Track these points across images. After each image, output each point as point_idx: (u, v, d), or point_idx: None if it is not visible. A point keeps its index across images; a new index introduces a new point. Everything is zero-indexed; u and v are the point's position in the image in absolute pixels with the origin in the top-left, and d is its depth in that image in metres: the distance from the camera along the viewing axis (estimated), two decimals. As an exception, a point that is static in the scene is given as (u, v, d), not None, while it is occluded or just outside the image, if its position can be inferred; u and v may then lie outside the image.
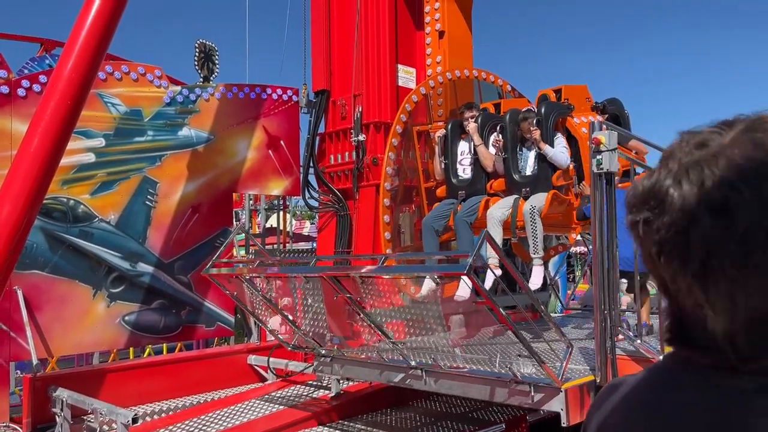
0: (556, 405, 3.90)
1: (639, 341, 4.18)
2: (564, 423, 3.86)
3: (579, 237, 6.79)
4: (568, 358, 4.00)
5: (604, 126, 4.16)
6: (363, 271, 5.10)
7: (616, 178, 4.21)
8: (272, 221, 15.72)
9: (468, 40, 7.45)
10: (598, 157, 4.04)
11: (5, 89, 5.89)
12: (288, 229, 12.76)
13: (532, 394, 3.97)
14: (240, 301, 5.85)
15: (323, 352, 5.30)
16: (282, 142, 7.62)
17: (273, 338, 8.02)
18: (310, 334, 5.33)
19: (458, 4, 7.31)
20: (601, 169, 4.02)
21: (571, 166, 6.06)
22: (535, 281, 5.38)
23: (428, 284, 5.77)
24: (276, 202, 13.06)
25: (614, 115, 6.56)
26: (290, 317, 5.44)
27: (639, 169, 4.57)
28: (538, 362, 3.78)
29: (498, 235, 5.52)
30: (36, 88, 6.00)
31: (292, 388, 6.12)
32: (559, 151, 5.76)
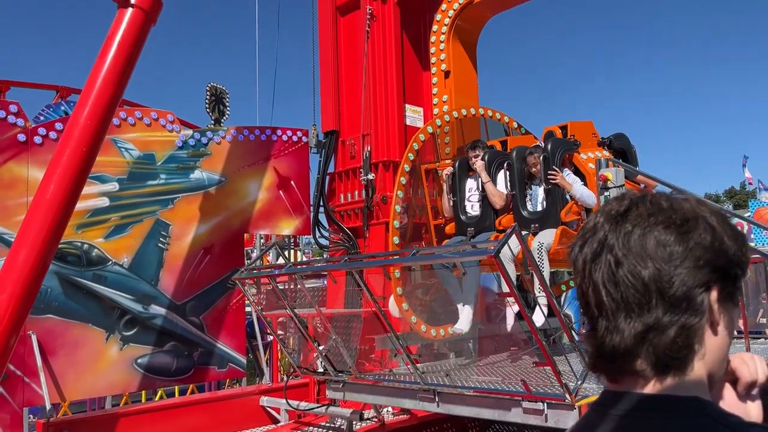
0: (570, 422, 3.87)
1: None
2: None
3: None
4: (584, 375, 4.00)
5: (611, 163, 4.20)
6: (397, 259, 5.23)
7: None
8: (282, 260, 15.76)
9: (473, 78, 7.57)
10: (606, 193, 4.08)
11: (22, 137, 6.04)
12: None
13: (546, 411, 3.95)
14: (263, 315, 6.02)
15: (335, 377, 5.32)
16: (292, 182, 7.71)
17: (285, 378, 7.98)
18: (325, 353, 5.36)
19: (463, 45, 7.46)
20: (609, 205, 4.05)
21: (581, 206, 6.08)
22: (538, 317, 5.35)
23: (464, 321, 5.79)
24: (287, 241, 13.10)
25: (621, 149, 6.61)
26: (311, 335, 5.50)
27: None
28: (554, 370, 3.79)
29: (511, 272, 5.52)
30: (52, 135, 6.14)
31: (305, 429, 6.07)
32: (584, 190, 5.76)
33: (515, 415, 4.15)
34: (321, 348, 5.41)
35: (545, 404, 3.96)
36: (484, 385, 4.56)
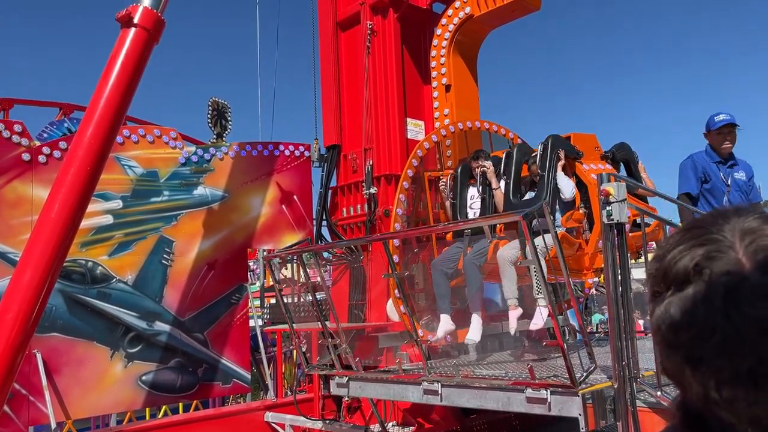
0: (574, 410, 3.91)
1: (659, 392, 4.13)
2: (582, 429, 3.87)
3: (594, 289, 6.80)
4: (590, 370, 4.10)
5: (612, 177, 4.21)
6: (429, 229, 5.85)
7: (627, 226, 4.24)
8: (286, 272, 15.76)
9: (474, 92, 7.61)
10: (608, 208, 4.09)
11: (26, 156, 6.07)
12: (302, 279, 12.77)
13: (549, 399, 4.01)
14: (293, 328, 6.10)
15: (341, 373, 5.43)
16: (295, 196, 7.74)
17: (289, 393, 7.95)
18: (335, 344, 5.49)
19: (463, 59, 7.50)
20: (612, 220, 4.07)
21: (582, 211, 6.09)
22: (537, 321, 5.35)
23: (444, 327, 5.81)
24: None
25: (624, 160, 6.63)
26: (326, 325, 5.62)
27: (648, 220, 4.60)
28: (562, 348, 3.88)
29: (512, 276, 5.52)
30: (56, 154, 6.18)
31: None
32: (564, 183, 5.78)
33: (519, 404, 4.19)
34: (331, 340, 5.49)
35: (549, 392, 3.98)
36: (492, 376, 4.64)
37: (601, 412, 4.01)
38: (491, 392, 4.40)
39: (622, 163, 6.66)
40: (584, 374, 4.05)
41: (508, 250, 5.69)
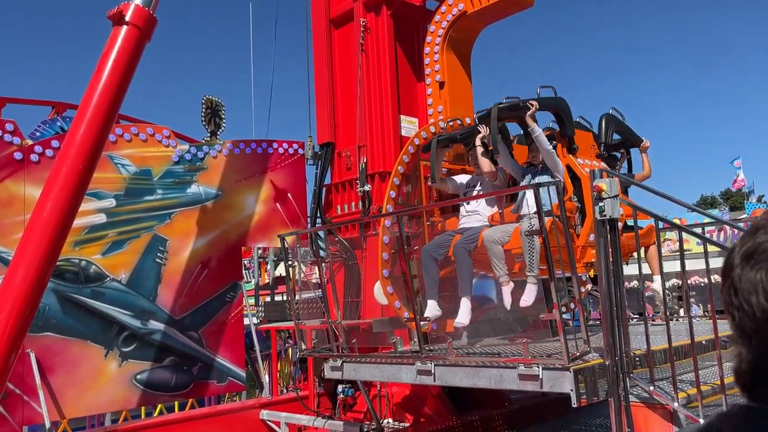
0: (565, 385, 3.94)
1: (652, 387, 4.15)
2: (574, 404, 3.90)
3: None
4: (585, 352, 4.12)
5: (605, 173, 4.21)
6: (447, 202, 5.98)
7: (620, 224, 4.25)
8: (281, 270, 15.76)
9: (468, 89, 7.60)
10: (601, 204, 4.09)
11: (19, 155, 6.05)
12: (297, 277, 12.78)
13: (541, 376, 4.02)
14: (297, 326, 6.07)
15: (335, 355, 5.48)
16: (289, 194, 7.73)
17: (286, 392, 7.96)
18: (334, 325, 5.58)
19: (457, 55, 7.49)
20: (604, 216, 4.07)
21: (576, 205, 6.09)
22: (527, 298, 5.34)
23: (430, 311, 5.82)
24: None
25: (619, 132, 6.67)
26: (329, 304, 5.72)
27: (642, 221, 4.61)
28: (559, 321, 3.94)
29: (499, 254, 5.52)
30: (48, 153, 6.16)
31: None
32: (546, 142, 5.74)
33: (511, 381, 4.21)
34: (332, 321, 5.52)
35: (541, 368, 4.00)
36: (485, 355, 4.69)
37: (593, 388, 4.02)
38: (484, 370, 4.41)
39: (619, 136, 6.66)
40: (578, 353, 4.08)
41: (493, 232, 5.69)
